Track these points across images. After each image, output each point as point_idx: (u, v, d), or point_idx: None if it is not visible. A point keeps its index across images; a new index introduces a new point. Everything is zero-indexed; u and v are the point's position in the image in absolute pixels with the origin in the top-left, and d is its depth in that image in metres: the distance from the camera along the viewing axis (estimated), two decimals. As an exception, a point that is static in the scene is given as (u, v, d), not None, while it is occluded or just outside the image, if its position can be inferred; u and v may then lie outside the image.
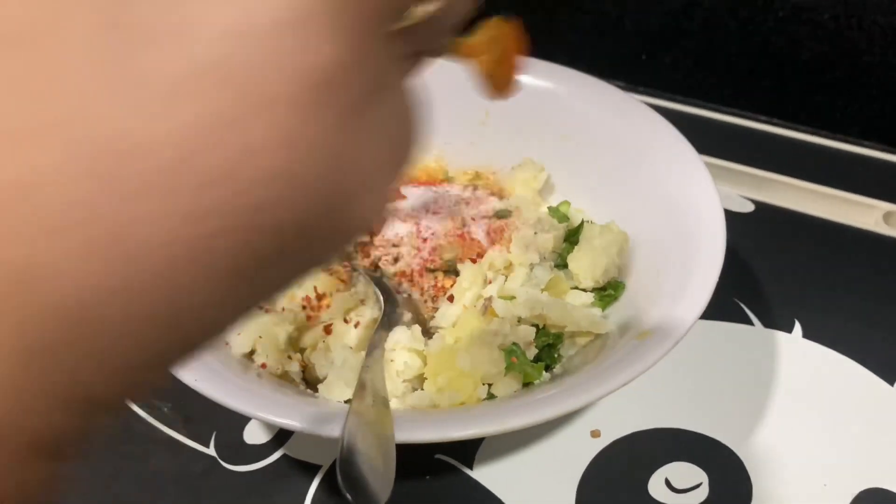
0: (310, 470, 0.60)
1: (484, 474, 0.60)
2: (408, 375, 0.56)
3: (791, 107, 1.03)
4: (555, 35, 1.15)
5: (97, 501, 0.59)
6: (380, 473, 0.41)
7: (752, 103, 1.02)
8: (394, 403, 0.55)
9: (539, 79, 0.76)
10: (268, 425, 0.63)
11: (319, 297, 0.64)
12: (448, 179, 0.77)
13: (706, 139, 0.70)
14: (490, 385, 0.55)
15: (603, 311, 0.62)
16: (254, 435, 0.63)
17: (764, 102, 1.03)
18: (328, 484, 0.59)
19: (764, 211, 0.83)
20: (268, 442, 0.62)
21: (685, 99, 1.03)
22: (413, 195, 0.70)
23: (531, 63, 0.76)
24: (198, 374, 0.50)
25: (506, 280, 0.61)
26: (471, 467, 0.60)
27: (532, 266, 0.63)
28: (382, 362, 0.55)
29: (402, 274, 0.65)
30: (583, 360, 0.58)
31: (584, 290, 0.64)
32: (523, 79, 0.77)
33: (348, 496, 0.39)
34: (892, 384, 0.65)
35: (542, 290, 0.61)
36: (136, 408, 0.65)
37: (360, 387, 0.49)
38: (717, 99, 1.03)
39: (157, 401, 0.65)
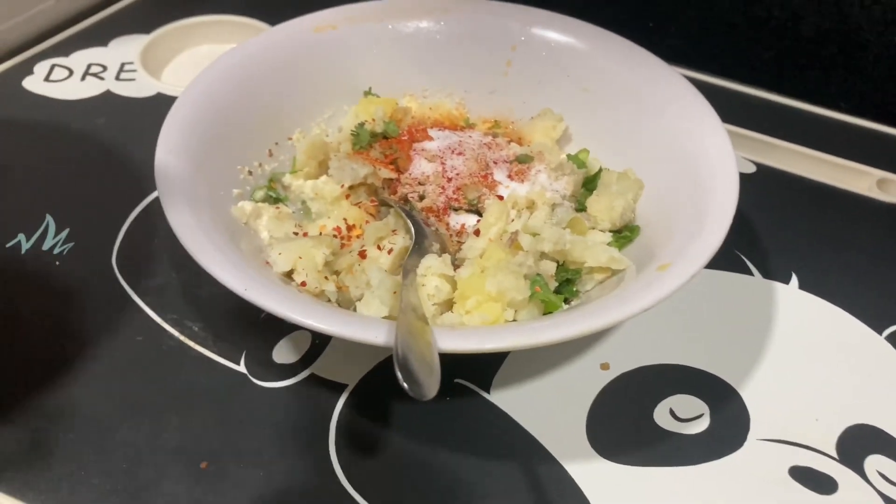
0: (336, 389, 0.63)
1: (500, 398, 0.63)
2: (438, 299, 0.59)
3: (790, 80, 1.07)
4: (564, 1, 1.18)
5: (134, 409, 0.61)
6: (429, 370, 0.45)
7: (754, 74, 1.06)
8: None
9: (560, 33, 0.79)
10: (296, 345, 0.66)
11: (350, 228, 0.67)
12: (469, 126, 0.80)
13: (711, 103, 0.73)
14: (515, 311, 0.59)
15: (619, 250, 0.65)
16: (282, 354, 0.66)
17: (765, 74, 1.07)
18: (354, 402, 0.63)
19: (765, 173, 0.87)
20: (296, 362, 0.65)
21: (689, 66, 1.06)
22: (439, 137, 0.73)
23: (552, 17, 0.80)
24: (246, 285, 0.53)
25: (529, 217, 0.65)
26: (488, 391, 0.64)
27: (554, 206, 0.66)
28: (416, 285, 0.58)
29: (429, 210, 0.68)
30: (600, 294, 0.62)
31: (602, 231, 0.67)
32: (545, 32, 0.80)
33: (406, 385, 0.43)
34: (880, 333, 0.70)
35: (564, 229, 0.64)
36: (166, 325, 0.68)
37: (402, 305, 0.52)
38: (720, 69, 1.07)
39: (188, 321, 0.68)
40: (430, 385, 0.44)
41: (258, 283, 0.53)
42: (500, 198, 0.67)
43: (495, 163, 0.72)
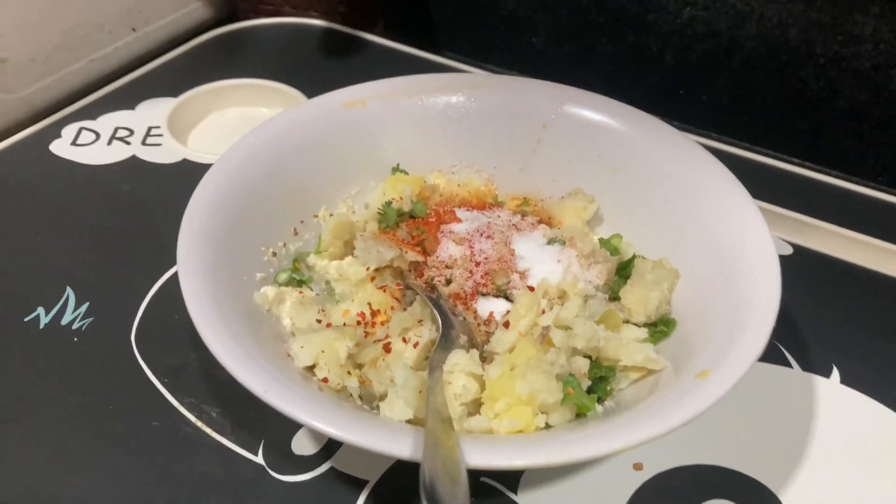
0: (357, 485, 0.61)
1: (528, 500, 0.60)
2: (465, 399, 0.57)
3: (825, 151, 1.05)
4: (594, 65, 1.17)
5: (143, 499, 0.59)
6: (457, 499, 0.42)
7: (786, 145, 1.04)
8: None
9: (592, 111, 0.78)
10: (315, 436, 0.64)
11: (374, 314, 0.65)
12: (498, 204, 0.78)
13: (740, 178, 0.71)
14: (546, 414, 0.56)
15: (655, 345, 0.63)
16: (302, 445, 0.63)
17: (798, 145, 1.05)
18: (375, 498, 0.60)
19: (802, 255, 0.84)
20: (316, 454, 0.63)
21: (719, 136, 1.04)
22: (467, 218, 0.71)
23: (584, 95, 0.78)
24: (267, 386, 0.51)
25: (561, 309, 0.62)
26: (515, 492, 0.61)
27: (586, 297, 0.64)
28: (442, 384, 0.56)
29: (456, 296, 0.66)
30: (635, 395, 0.59)
31: (637, 324, 0.65)
32: (576, 110, 0.78)
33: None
34: (928, 435, 0.66)
35: (597, 322, 0.62)
36: (183, 410, 0.66)
37: (430, 409, 0.50)
38: (751, 139, 1.05)
39: (205, 405, 0.66)
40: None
41: (279, 383, 0.51)
42: (531, 288, 0.65)
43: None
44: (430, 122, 0.79)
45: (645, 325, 0.65)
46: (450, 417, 0.51)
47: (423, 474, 0.43)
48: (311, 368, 0.60)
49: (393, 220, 0.71)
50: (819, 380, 0.71)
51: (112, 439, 0.63)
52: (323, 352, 0.58)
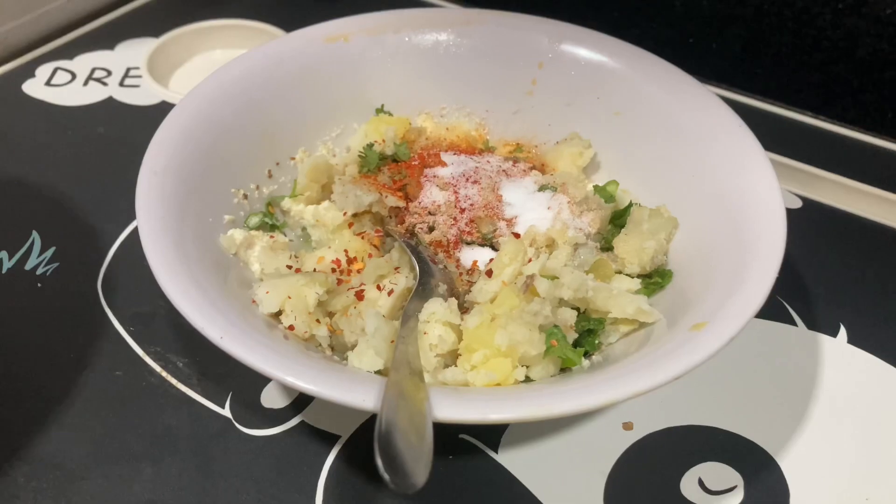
0: (328, 439, 0.58)
1: (509, 459, 0.57)
2: (441, 350, 0.53)
3: (841, 104, 0.99)
4: (602, 11, 1.11)
5: (106, 454, 0.56)
6: (418, 452, 0.39)
7: (799, 97, 0.98)
8: (425, 378, 0.52)
9: (592, 50, 0.72)
10: (286, 389, 0.60)
11: (350, 261, 0.61)
12: (488, 149, 0.74)
13: (752, 128, 0.66)
14: (527, 367, 0.52)
15: (648, 298, 0.58)
16: (271, 398, 0.60)
17: (812, 97, 0.99)
18: (347, 455, 0.57)
19: (812, 208, 0.79)
20: (286, 407, 0.59)
21: (730, 87, 0.99)
22: (453, 162, 0.67)
23: (583, 33, 0.73)
24: (223, 332, 0.47)
25: (548, 258, 0.58)
26: (496, 450, 0.57)
27: (576, 246, 0.60)
28: (416, 334, 0.52)
29: (438, 244, 0.62)
30: (625, 350, 0.55)
31: (630, 275, 0.60)
32: (575, 49, 0.73)
33: (387, 476, 0.36)
34: (940, 399, 0.62)
35: (587, 272, 0.58)
36: (148, 359, 0.62)
37: (397, 359, 0.46)
38: (763, 90, 0.99)
39: (171, 355, 0.62)
40: (418, 473, 0.37)
41: (237, 328, 0.47)
42: (517, 236, 0.60)
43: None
44: (418, 60, 0.74)
45: (639, 276, 0.61)
46: (421, 369, 0.47)
47: (380, 424, 0.40)
48: (277, 316, 0.56)
49: (374, 163, 0.67)
50: (825, 339, 0.66)
51: (72, 389, 0.60)
52: (290, 298, 0.54)
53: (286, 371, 0.44)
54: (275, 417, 0.59)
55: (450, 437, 0.58)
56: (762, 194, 0.58)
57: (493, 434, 0.58)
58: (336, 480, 0.55)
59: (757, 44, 1.02)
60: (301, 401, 0.60)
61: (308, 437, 0.58)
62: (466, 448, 0.57)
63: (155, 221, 0.54)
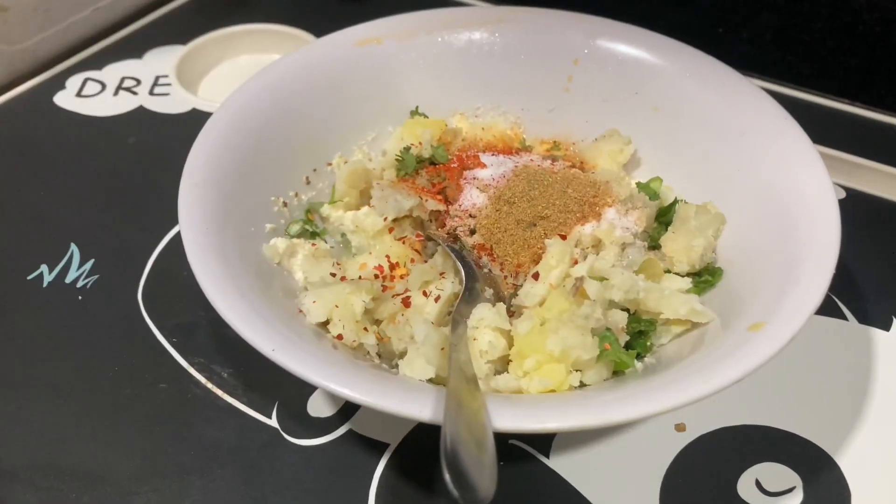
0: (377, 448, 0.57)
1: (561, 464, 0.56)
2: (492, 356, 0.52)
3: (878, 90, 0.97)
4: (629, 2, 1.09)
5: (155, 468, 0.56)
6: (481, 464, 0.38)
7: (835, 84, 0.96)
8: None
9: (628, 44, 0.71)
10: (332, 397, 0.60)
11: (392, 267, 0.60)
12: (525, 149, 0.73)
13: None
14: (580, 372, 0.51)
15: (699, 297, 0.57)
16: (318, 407, 0.59)
17: (848, 85, 0.97)
18: (397, 463, 0.56)
19: (856, 199, 0.78)
20: (333, 415, 0.59)
21: (761, 76, 0.97)
22: (493, 163, 0.66)
23: (618, 27, 0.72)
24: (274, 344, 0.46)
25: (596, 259, 0.57)
26: (547, 456, 0.56)
27: (624, 245, 0.59)
28: (467, 340, 0.51)
29: (480, 247, 0.61)
30: (678, 351, 0.54)
31: (679, 274, 0.59)
32: (611, 44, 0.71)
33: (456, 493, 0.36)
34: None
35: (636, 273, 0.57)
36: (193, 371, 0.62)
37: (452, 367, 0.45)
38: (797, 79, 0.97)
39: (216, 366, 0.62)
40: (484, 487, 0.37)
41: (288, 340, 0.47)
42: (563, 237, 0.59)
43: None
44: (451, 60, 0.73)
45: (688, 274, 0.60)
46: (475, 376, 0.47)
47: (445, 438, 0.39)
48: (324, 325, 0.55)
49: (412, 166, 0.66)
50: (878, 333, 0.65)
51: (118, 403, 0.60)
52: (337, 307, 0.54)
53: (342, 383, 0.44)
54: (322, 427, 0.58)
55: (500, 443, 0.56)
56: (813, 188, 0.57)
57: (544, 439, 0.57)
58: (388, 489, 0.55)
59: (789, 30, 1.00)
60: (348, 409, 0.59)
61: (356, 446, 0.57)
62: (517, 454, 0.57)
63: (198, 233, 0.53)
